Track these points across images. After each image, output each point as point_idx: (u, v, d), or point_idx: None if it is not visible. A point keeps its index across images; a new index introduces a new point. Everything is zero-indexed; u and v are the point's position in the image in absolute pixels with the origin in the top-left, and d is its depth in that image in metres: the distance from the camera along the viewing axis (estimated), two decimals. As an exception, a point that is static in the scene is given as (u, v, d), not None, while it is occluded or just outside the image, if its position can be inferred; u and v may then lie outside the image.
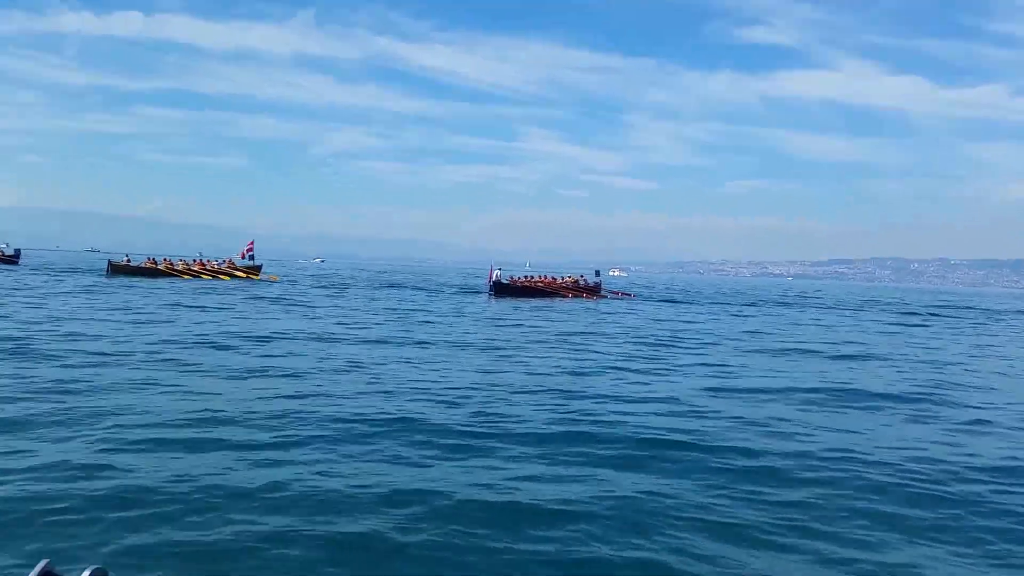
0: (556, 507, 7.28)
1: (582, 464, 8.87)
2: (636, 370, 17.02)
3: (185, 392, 12.14)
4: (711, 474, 8.65)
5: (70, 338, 17.90)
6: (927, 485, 8.58)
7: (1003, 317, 55.02)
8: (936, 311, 59.08)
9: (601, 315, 36.48)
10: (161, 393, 11.97)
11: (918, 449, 10.32)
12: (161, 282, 48.43)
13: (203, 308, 29.44)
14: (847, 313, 50.63)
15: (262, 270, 62.44)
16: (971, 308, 68.85)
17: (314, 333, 21.74)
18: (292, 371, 14.65)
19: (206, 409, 10.80)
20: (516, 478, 8.23)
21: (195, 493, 7.22)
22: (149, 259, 59.45)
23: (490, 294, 51.17)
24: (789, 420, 11.90)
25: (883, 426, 11.97)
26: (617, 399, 13.15)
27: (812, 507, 7.64)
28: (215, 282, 52.58)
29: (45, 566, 2.01)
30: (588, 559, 6.17)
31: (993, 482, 8.79)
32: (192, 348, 17.34)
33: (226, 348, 17.67)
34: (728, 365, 18.68)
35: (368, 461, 8.62)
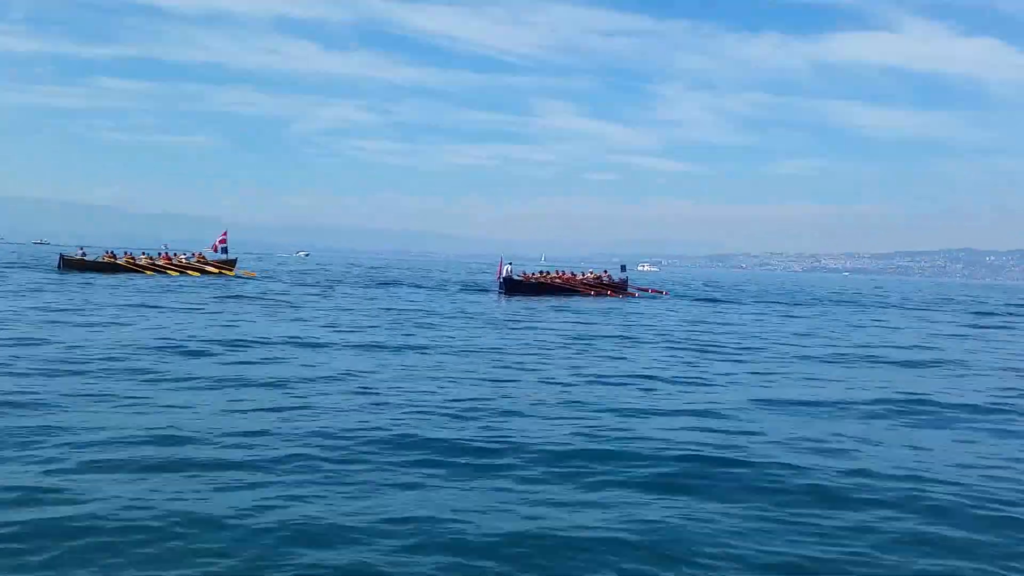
0: (576, 536, 7.24)
1: (607, 487, 8.83)
2: (670, 379, 16.97)
3: (147, 405, 12.13)
4: (757, 497, 8.60)
5: (15, 344, 17.97)
6: (1008, 508, 8.52)
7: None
8: (1017, 310, 58.66)
9: (628, 316, 36.42)
10: (119, 406, 11.96)
11: (998, 468, 10.23)
12: (121, 279, 48.65)
13: (169, 309, 29.52)
14: (913, 313, 50.34)
15: (237, 265, 62.62)
16: (1059, 307, 68.35)
17: (297, 337, 21.76)
18: (271, 381, 14.64)
19: (171, 425, 10.78)
20: (529, 502, 8.19)
21: (156, 521, 7.21)
22: (107, 253, 59.76)
23: (500, 292, 51.17)
24: (847, 436, 11.83)
25: (957, 442, 11.88)
26: (648, 412, 13.10)
27: (873, 532, 7.62)
28: (183, 279, 52.80)
29: None
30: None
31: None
32: (156, 355, 17.36)
33: (196, 355, 17.69)
34: (776, 373, 18.63)
35: (357, 484, 8.59)
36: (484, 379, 16.01)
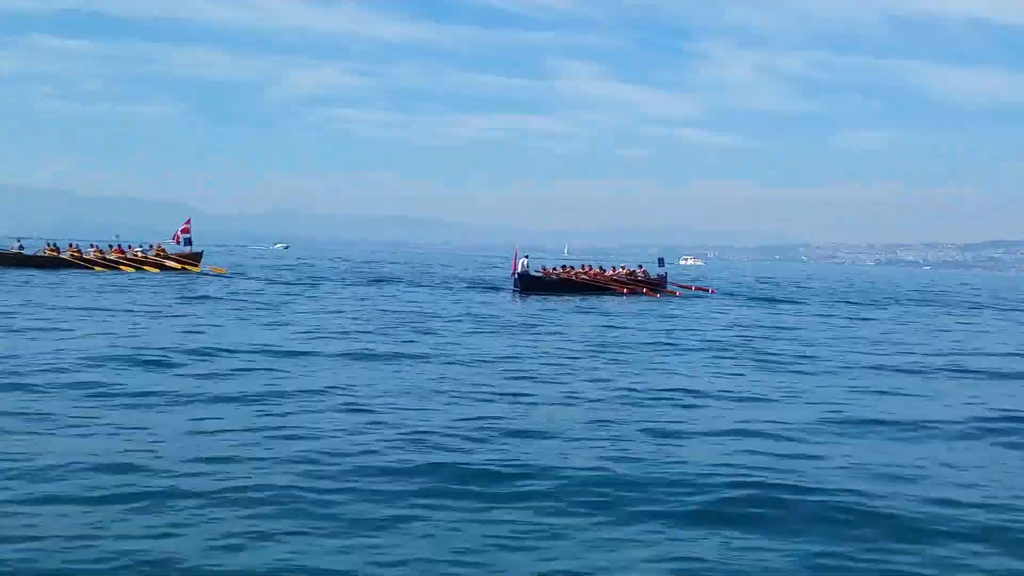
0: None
1: (642, 519, 8.82)
2: (716, 394, 16.94)
3: (95, 426, 12.16)
4: (821, 531, 8.61)
5: (-58, 353, 18.05)
6: None
7: None
8: None
9: (668, 318, 36.34)
10: (62, 428, 11.99)
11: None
12: (65, 276, 48.93)
13: (122, 312, 29.63)
14: (1009, 315, 49.99)
15: (203, 259, 62.91)
16: None
17: (273, 345, 21.79)
18: (241, 397, 14.68)
19: (123, 450, 10.80)
20: (552, 537, 8.19)
21: (100, 563, 7.21)
22: (49, 245, 60.02)
23: (515, 290, 51.18)
24: (927, 460, 11.84)
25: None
26: (691, 433, 13.08)
27: (959, 570, 7.67)
28: (139, 275, 53.06)
29: None
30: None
31: None
32: (106, 367, 17.41)
33: (153, 366, 17.74)
34: (845, 388, 18.56)
35: (343, 519, 8.57)
36: (496, 394, 15.99)
